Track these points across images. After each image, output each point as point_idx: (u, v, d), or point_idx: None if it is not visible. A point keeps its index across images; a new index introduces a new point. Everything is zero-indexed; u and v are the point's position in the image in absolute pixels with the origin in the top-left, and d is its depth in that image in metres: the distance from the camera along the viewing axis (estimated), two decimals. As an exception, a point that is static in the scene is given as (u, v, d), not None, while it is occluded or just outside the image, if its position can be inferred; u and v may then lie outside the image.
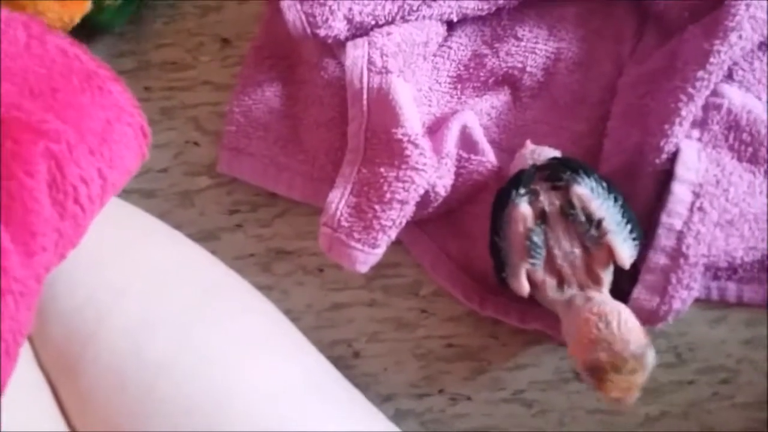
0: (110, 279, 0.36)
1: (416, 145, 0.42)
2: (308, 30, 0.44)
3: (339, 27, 0.45)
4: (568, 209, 0.39)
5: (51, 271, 0.32)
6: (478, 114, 0.46)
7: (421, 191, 0.42)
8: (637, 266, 0.41)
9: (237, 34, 0.51)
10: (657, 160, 0.42)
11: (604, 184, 0.40)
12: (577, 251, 0.39)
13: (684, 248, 0.40)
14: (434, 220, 0.46)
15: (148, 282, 0.37)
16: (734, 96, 0.42)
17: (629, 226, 0.40)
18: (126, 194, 0.48)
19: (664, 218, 0.40)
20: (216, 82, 0.51)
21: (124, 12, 0.50)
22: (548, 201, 0.40)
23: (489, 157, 0.45)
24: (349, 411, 0.40)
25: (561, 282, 0.40)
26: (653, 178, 0.42)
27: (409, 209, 0.42)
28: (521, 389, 0.46)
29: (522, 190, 0.40)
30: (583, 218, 0.39)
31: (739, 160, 0.42)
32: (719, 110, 0.42)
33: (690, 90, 0.41)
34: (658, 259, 0.40)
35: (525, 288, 0.40)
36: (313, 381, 0.39)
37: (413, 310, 0.47)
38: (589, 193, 0.39)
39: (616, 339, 0.36)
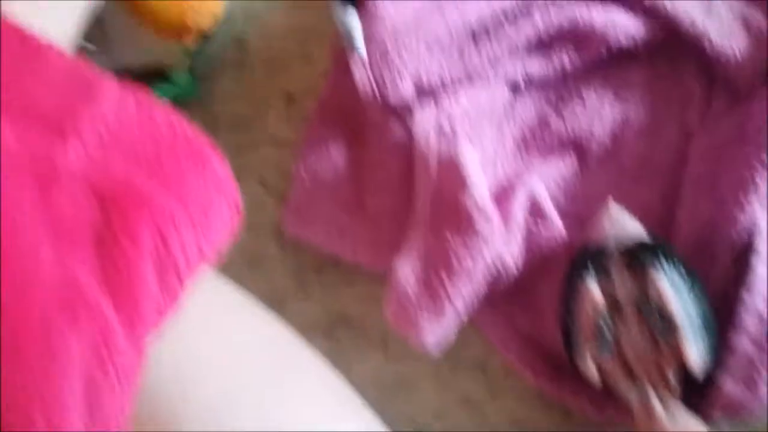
0: (196, 353, 0.35)
1: (482, 212, 0.42)
2: (377, 92, 0.44)
3: (406, 90, 0.45)
4: (643, 301, 0.38)
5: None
6: (544, 181, 0.46)
7: (489, 260, 0.41)
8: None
9: (303, 91, 0.52)
10: (733, 234, 0.40)
11: (686, 275, 0.38)
12: (648, 348, 0.38)
13: (771, 332, 0.38)
14: (503, 295, 0.45)
15: (231, 357, 0.36)
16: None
17: (704, 329, 0.38)
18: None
19: (746, 296, 0.39)
20: (281, 138, 0.51)
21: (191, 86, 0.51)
22: (622, 285, 0.39)
23: (557, 225, 0.44)
24: None
25: (629, 373, 0.39)
26: (731, 254, 0.41)
27: (478, 281, 0.41)
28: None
29: (592, 267, 0.39)
30: (657, 312, 0.38)
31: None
32: (800, 178, 0.41)
33: (764, 156, 0.41)
34: (744, 344, 0.38)
35: (592, 371, 0.39)
36: None
37: (480, 387, 0.46)
38: (669, 287, 0.37)
39: None
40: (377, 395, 0.46)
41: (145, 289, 0.30)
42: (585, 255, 0.39)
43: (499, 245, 0.42)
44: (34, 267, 0.28)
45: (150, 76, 0.50)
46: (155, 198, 0.30)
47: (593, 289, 0.38)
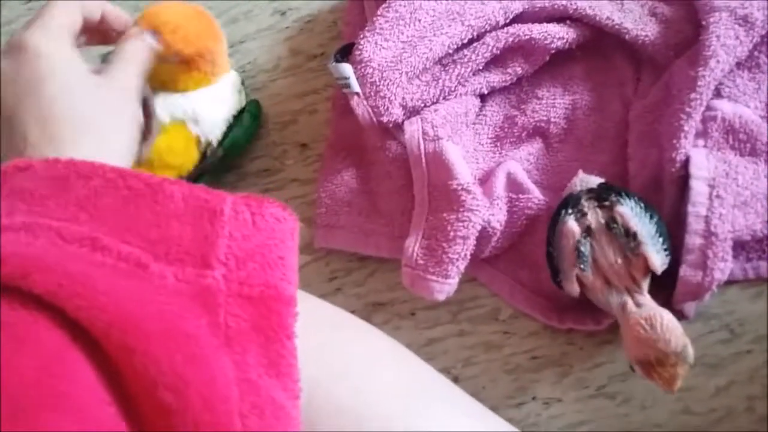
0: (329, 363, 0.38)
1: (469, 192, 0.49)
2: (374, 119, 0.53)
3: (396, 113, 0.53)
4: (611, 224, 0.45)
5: None
6: (519, 161, 0.53)
7: (478, 227, 0.48)
8: (670, 274, 0.46)
9: (312, 138, 0.59)
10: (673, 169, 0.48)
11: (642, 204, 0.46)
12: (620, 260, 0.45)
13: (713, 228, 0.45)
14: (502, 256, 0.52)
15: (362, 369, 0.39)
16: (725, 107, 0.49)
17: (661, 239, 0.45)
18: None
19: (690, 208, 0.46)
20: (302, 179, 0.59)
21: (226, 161, 0.57)
22: (594, 218, 0.46)
23: (535, 194, 0.51)
24: None
25: (609, 285, 0.45)
26: (675, 184, 0.48)
27: (471, 243, 0.48)
28: (603, 384, 0.50)
29: (570, 210, 0.46)
30: (622, 232, 0.45)
31: (741, 155, 0.48)
32: (715, 120, 0.48)
33: (687, 109, 0.48)
34: (694, 240, 0.45)
35: (575, 290, 0.46)
36: None
37: (497, 333, 0.53)
38: (629, 212, 0.45)
39: (659, 338, 0.41)
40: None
41: (297, 366, 0.32)
42: (561, 204, 0.47)
43: (486, 215, 0.49)
44: (216, 376, 0.29)
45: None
46: (292, 292, 0.33)
47: (570, 222, 0.46)
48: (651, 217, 0.45)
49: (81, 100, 0.39)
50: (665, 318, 0.42)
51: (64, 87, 0.39)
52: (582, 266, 0.45)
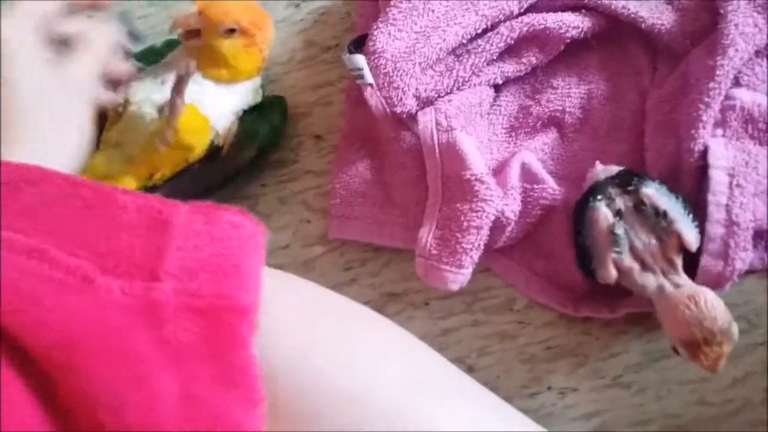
0: (333, 354, 0.37)
1: (482, 182, 0.48)
2: (388, 109, 0.52)
3: (410, 103, 0.52)
4: (640, 206, 0.45)
5: None
6: (534, 151, 0.53)
7: (492, 217, 0.48)
8: (691, 264, 0.45)
9: (327, 130, 0.59)
10: (692, 159, 0.47)
11: (665, 186, 0.45)
12: (654, 241, 0.44)
13: (734, 217, 0.44)
14: (517, 247, 0.52)
15: (367, 361, 0.39)
16: (744, 96, 0.48)
17: (691, 216, 0.45)
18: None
19: (711, 197, 0.45)
20: (316, 170, 0.58)
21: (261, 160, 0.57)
22: (622, 202, 0.45)
23: (550, 184, 0.51)
24: None
25: (645, 268, 0.45)
26: (693, 174, 0.48)
27: (484, 233, 0.48)
28: (619, 374, 0.50)
29: (599, 197, 0.45)
30: (652, 212, 0.44)
31: (761, 144, 0.47)
32: (734, 110, 0.47)
33: (706, 99, 0.47)
34: (715, 230, 0.45)
35: (613, 274, 0.45)
36: None
37: (511, 323, 0.52)
38: (655, 192, 0.45)
39: (705, 317, 0.40)
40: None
41: (258, 376, 0.32)
42: (587, 192, 0.46)
43: (499, 205, 0.48)
44: (158, 397, 0.29)
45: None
46: (248, 302, 0.32)
47: (601, 207, 0.45)
48: (676, 197, 0.45)
49: (31, 92, 0.38)
50: (708, 296, 0.41)
51: (15, 76, 0.38)
52: (618, 249, 0.44)
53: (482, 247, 0.48)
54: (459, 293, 0.53)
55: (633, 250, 0.45)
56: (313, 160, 0.59)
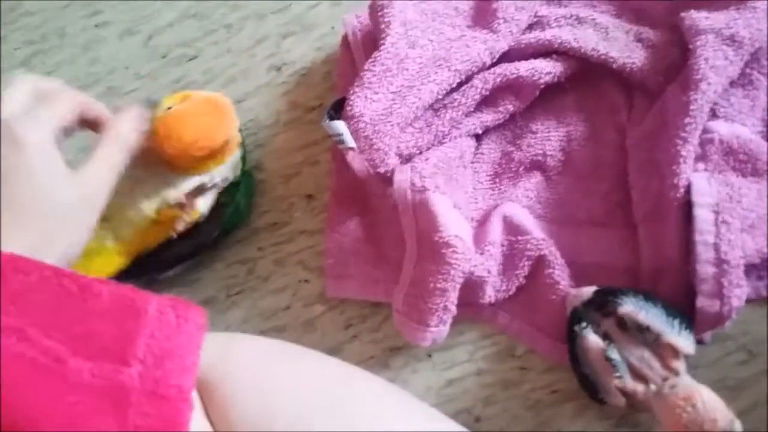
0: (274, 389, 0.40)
1: (449, 245, 0.47)
2: (371, 170, 0.52)
3: (392, 162, 0.52)
4: (624, 327, 0.44)
5: None
6: (519, 197, 0.52)
7: (460, 279, 0.47)
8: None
9: (317, 189, 0.59)
10: (678, 195, 0.46)
11: (641, 295, 0.44)
12: (647, 354, 0.44)
13: (723, 255, 0.44)
14: (516, 301, 0.51)
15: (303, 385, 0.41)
16: (721, 129, 0.47)
17: (677, 321, 0.43)
18: (263, 332, 0.56)
19: (698, 237, 0.44)
20: (310, 230, 0.58)
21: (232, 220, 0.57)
22: (606, 324, 0.45)
23: (533, 235, 0.50)
24: None
25: (647, 383, 0.44)
26: (680, 210, 0.47)
27: (452, 295, 0.47)
28: (625, 414, 0.49)
29: (583, 324, 0.45)
30: (636, 329, 0.44)
31: (743, 176, 0.46)
32: (713, 143, 0.47)
33: (683, 134, 0.46)
34: (706, 270, 0.44)
35: (621, 401, 0.44)
36: None
37: (514, 369, 0.52)
38: (633, 308, 0.43)
39: (704, 419, 0.39)
40: (434, 400, 0.52)
41: None
42: (570, 323, 0.46)
43: (466, 267, 0.47)
44: None
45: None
46: (191, 395, 0.33)
47: (589, 335, 0.45)
48: (655, 304, 0.44)
49: (45, 199, 0.39)
50: (704, 395, 0.39)
51: (32, 181, 0.38)
52: (618, 374, 0.43)
53: (452, 307, 0.47)
54: (460, 343, 0.52)
55: (632, 368, 0.44)
56: (307, 220, 0.59)
